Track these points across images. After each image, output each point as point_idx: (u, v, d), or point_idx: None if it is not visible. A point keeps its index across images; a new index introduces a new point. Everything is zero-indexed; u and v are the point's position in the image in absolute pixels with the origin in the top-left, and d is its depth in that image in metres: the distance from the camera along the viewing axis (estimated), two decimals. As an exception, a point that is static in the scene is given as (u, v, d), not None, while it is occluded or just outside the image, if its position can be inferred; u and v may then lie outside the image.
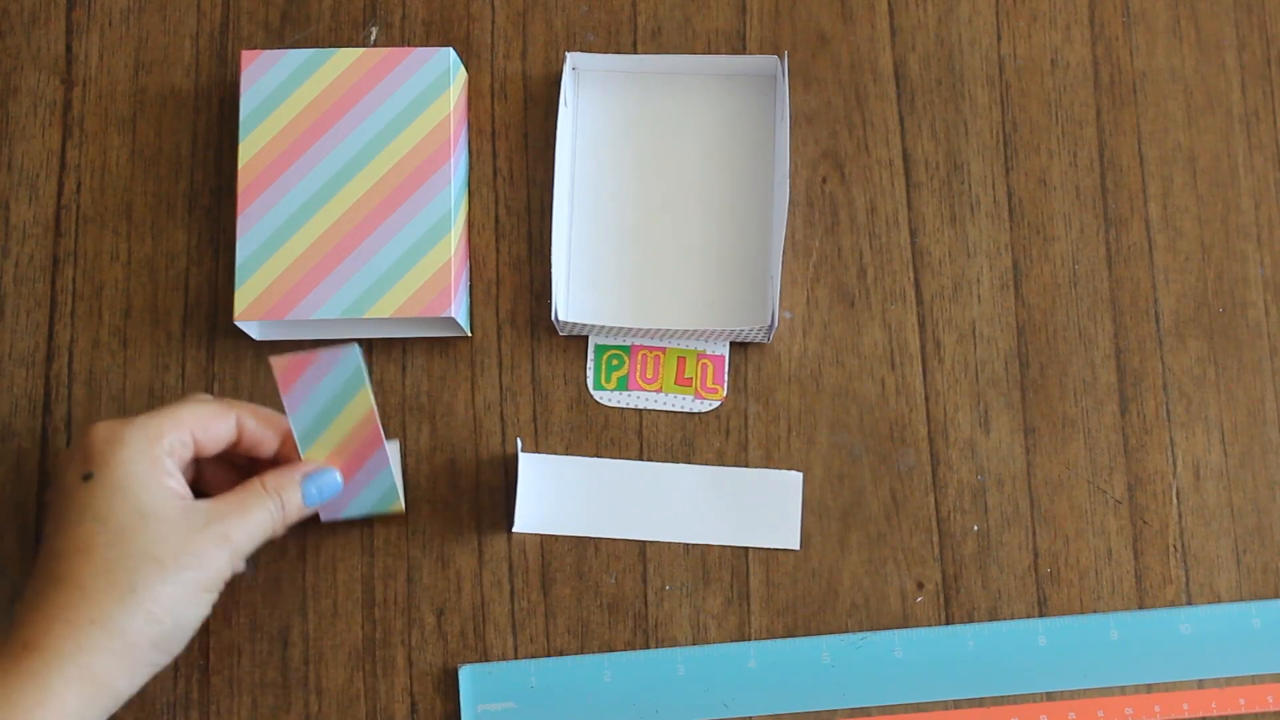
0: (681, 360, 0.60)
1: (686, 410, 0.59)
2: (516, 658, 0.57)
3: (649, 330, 0.58)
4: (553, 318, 0.58)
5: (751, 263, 0.61)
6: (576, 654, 0.57)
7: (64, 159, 0.61)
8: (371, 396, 0.53)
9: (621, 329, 0.58)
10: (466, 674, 0.57)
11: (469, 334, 0.60)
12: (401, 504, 0.57)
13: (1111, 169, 0.63)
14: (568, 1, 0.63)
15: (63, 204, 0.61)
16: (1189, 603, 0.59)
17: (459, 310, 0.57)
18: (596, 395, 0.59)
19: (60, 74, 0.62)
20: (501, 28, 0.63)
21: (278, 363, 0.51)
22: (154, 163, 0.62)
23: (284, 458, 0.54)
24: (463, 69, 0.61)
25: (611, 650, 0.58)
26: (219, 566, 0.50)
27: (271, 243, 0.57)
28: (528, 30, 0.63)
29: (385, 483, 0.55)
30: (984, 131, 0.63)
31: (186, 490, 0.51)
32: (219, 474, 0.55)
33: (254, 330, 0.59)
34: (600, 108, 0.62)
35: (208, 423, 0.51)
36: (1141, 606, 0.59)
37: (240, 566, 0.53)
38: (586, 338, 0.60)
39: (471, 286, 0.60)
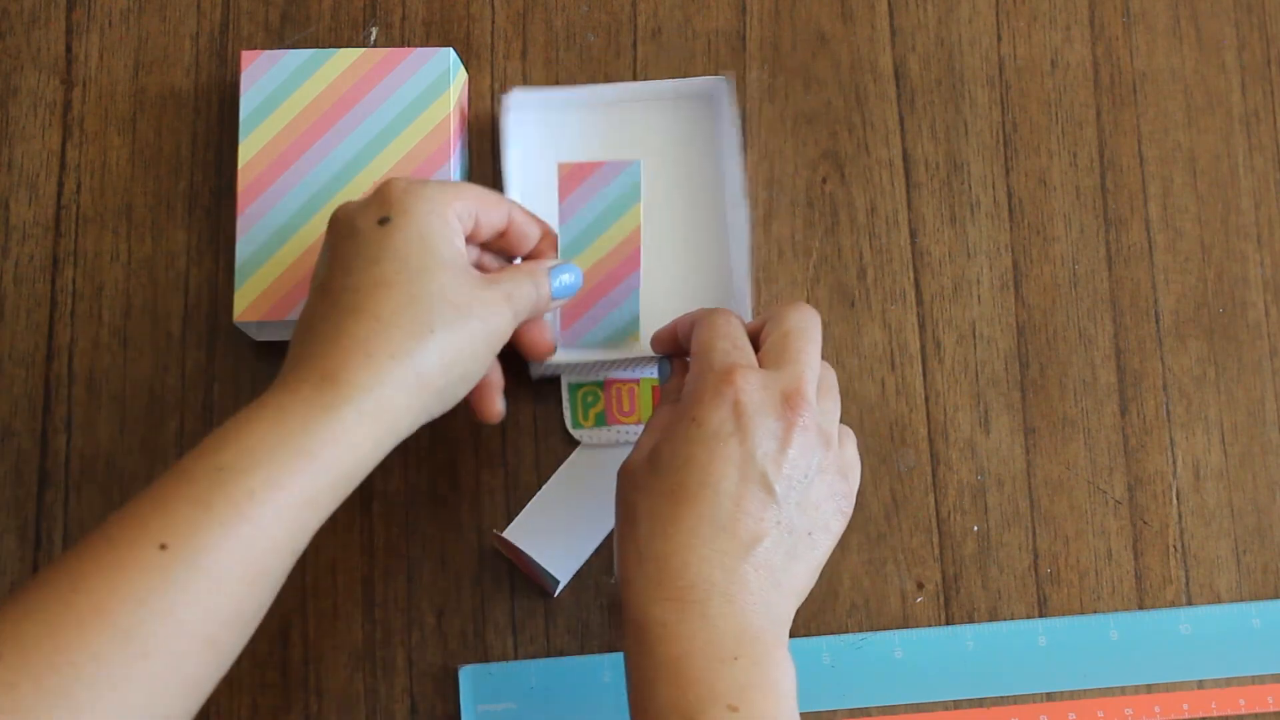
0: (656, 390, 0.59)
1: None
2: (516, 658, 0.57)
3: (619, 362, 0.57)
4: (526, 364, 0.57)
5: (719, 284, 0.60)
6: (576, 654, 0.57)
7: (64, 159, 0.61)
8: (641, 214, 0.54)
9: (593, 364, 0.57)
10: (466, 674, 0.57)
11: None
12: (640, 338, 0.57)
13: (1111, 169, 0.63)
14: (568, 1, 0.63)
15: (63, 204, 0.61)
16: (1189, 603, 0.59)
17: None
18: (575, 434, 0.59)
19: (60, 74, 0.62)
20: (501, 28, 0.63)
21: (563, 167, 0.53)
22: (154, 163, 0.62)
23: (537, 256, 0.54)
24: (463, 69, 0.61)
25: (611, 650, 0.58)
26: (504, 321, 0.49)
27: (271, 243, 0.57)
28: (528, 30, 0.63)
29: (631, 310, 0.56)
30: (984, 132, 0.63)
31: (467, 254, 0.50)
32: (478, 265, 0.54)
33: (254, 331, 0.59)
34: (545, 143, 0.61)
35: (489, 204, 0.51)
36: (1141, 607, 0.59)
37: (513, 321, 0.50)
38: (559, 378, 0.59)
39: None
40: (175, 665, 0.41)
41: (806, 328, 0.49)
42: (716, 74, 0.62)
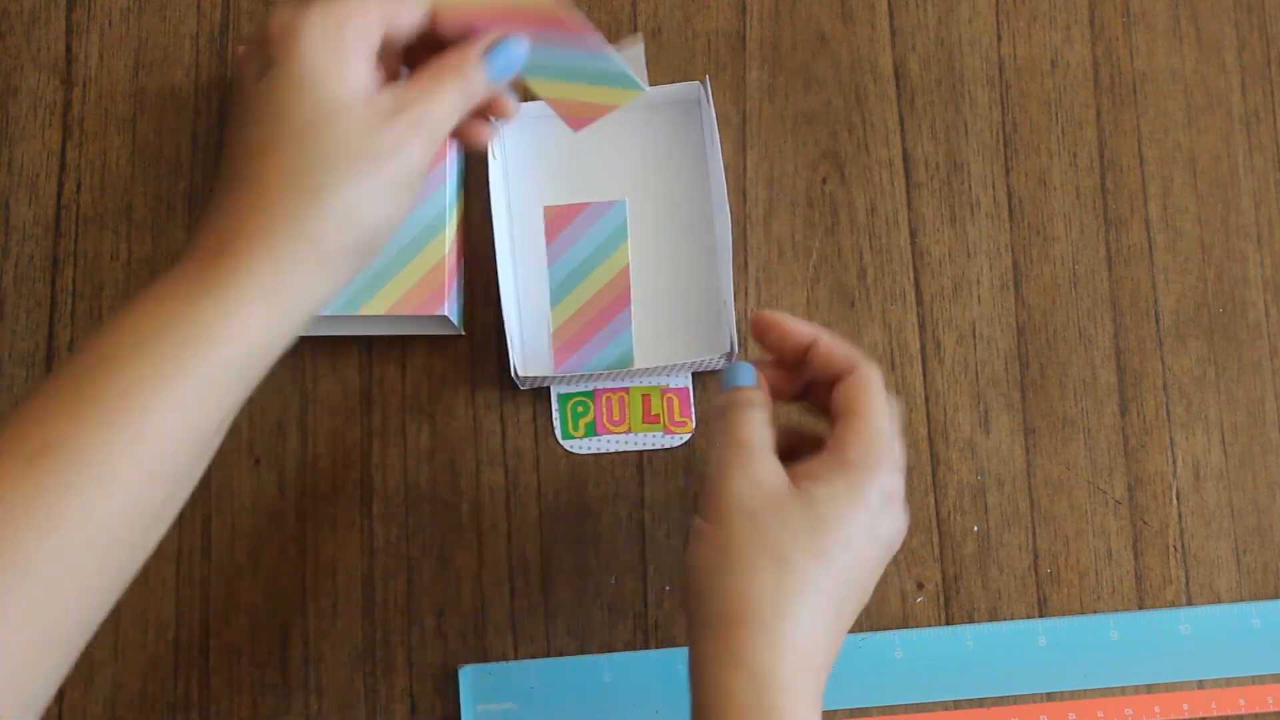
0: (646, 398, 0.59)
1: (658, 447, 0.59)
2: (516, 658, 0.57)
3: (608, 373, 0.58)
4: (511, 374, 0.57)
5: (705, 291, 0.60)
6: (576, 654, 0.57)
7: (64, 159, 0.61)
8: (629, 252, 0.54)
9: (581, 375, 0.57)
10: (466, 674, 0.57)
11: (462, 332, 0.60)
12: (633, 358, 0.57)
13: (1111, 169, 0.63)
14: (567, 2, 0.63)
15: (63, 204, 0.61)
16: (1189, 603, 0.59)
17: (452, 309, 0.57)
18: (566, 444, 0.59)
19: (60, 74, 0.62)
20: (501, 28, 0.63)
21: (549, 210, 0.52)
22: (154, 163, 0.62)
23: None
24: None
25: (611, 650, 0.58)
26: (412, 158, 0.44)
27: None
28: (528, 30, 0.63)
29: (624, 345, 0.56)
30: (984, 132, 0.63)
31: (373, 79, 0.44)
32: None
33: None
34: (530, 155, 0.61)
35: (395, 7, 0.45)
36: (1141, 607, 0.59)
37: (434, 149, 0.45)
38: (549, 388, 0.60)
39: (469, 285, 0.60)
40: (63, 575, 0.38)
41: (895, 428, 0.48)
42: (716, 75, 0.62)
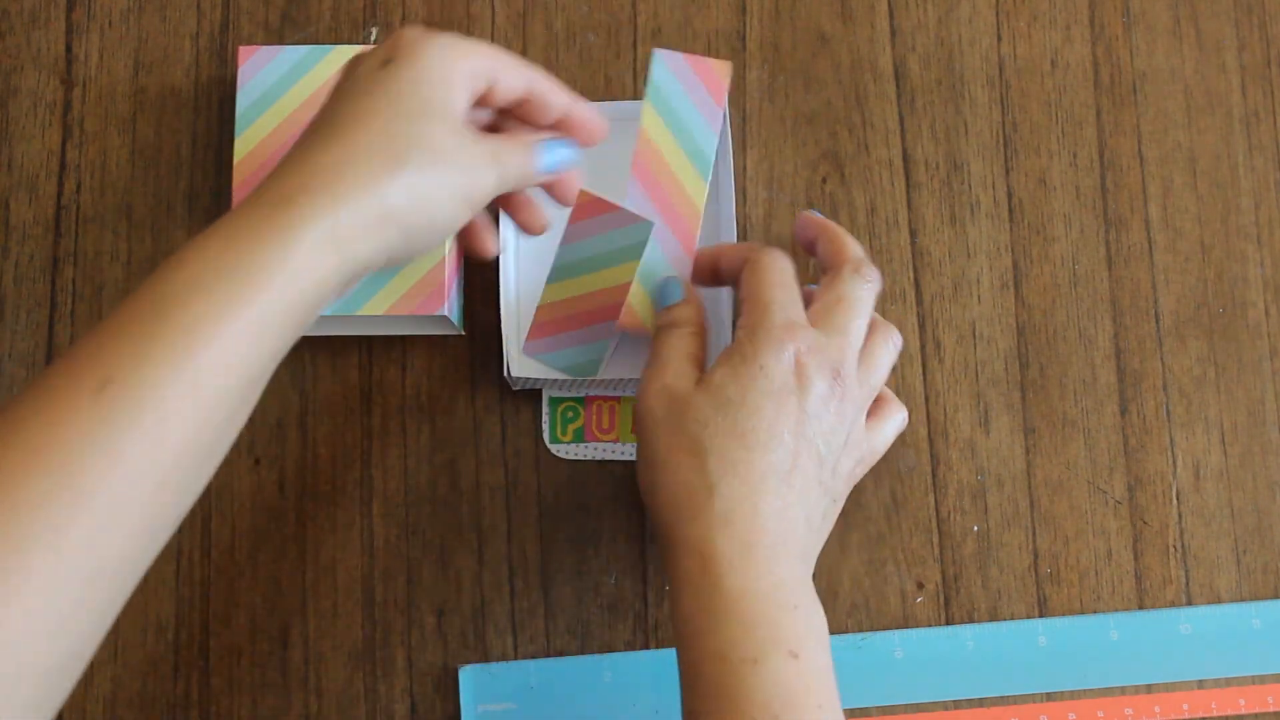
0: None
1: None
2: (516, 658, 0.57)
3: (602, 380, 0.57)
4: (505, 374, 0.57)
5: (707, 302, 0.57)
6: (576, 654, 0.57)
7: (64, 159, 0.61)
8: (637, 276, 0.53)
9: (575, 381, 0.57)
10: (466, 674, 0.57)
11: (462, 332, 0.60)
12: (599, 369, 0.57)
13: (1111, 169, 0.63)
14: (568, 1, 0.63)
15: (63, 204, 0.61)
16: (1189, 603, 0.59)
17: (452, 309, 0.57)
18: (554, 449, 0.59)
19: (60, 74, 0.62)
20: (501, 28, 0.63)
21: (582, 194, 0.53)
22: (154, 163, 0.62)
23: (561, 130, 0.52)
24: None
25: (611, 650, 0.58)
26: (486, 178, 0.47)
27: (271, 243, 0.57)
28: (528, 30, 0.63)
29: (596, 354, 0.56)
30: (984, 131, 0.63)
31: (468, 111, 0.48)
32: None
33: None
34: None
35: (508, 68, 0.49)
36: (1141, 607, 0.59)
37: (492, 185, 0.49)
38: (540, 391, 0.59)
39: (469, 285, 0.60)
40: (121, 507, 0.39)
41: (860, 298, 0.51)
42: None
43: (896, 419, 0.53)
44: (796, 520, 0.47)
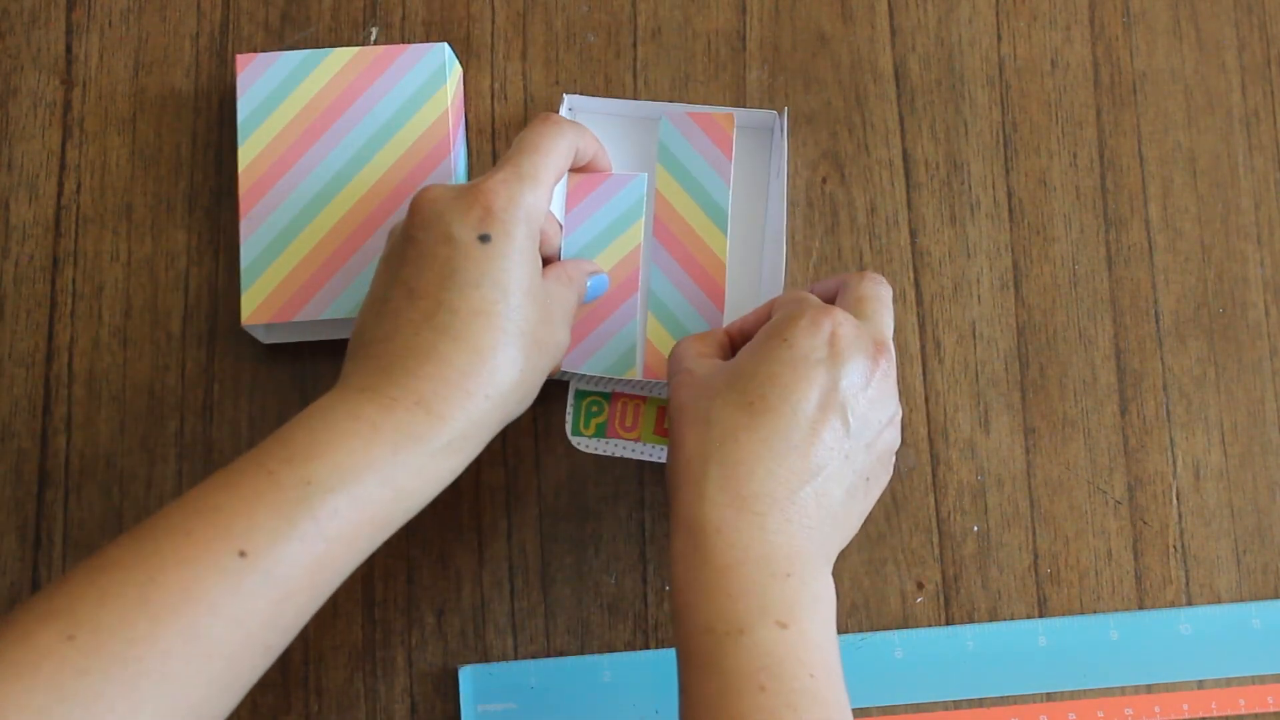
0: (662, 410, 0.59)
1: (664, 461, 0.58)
2: (516, 658, 0.57)
3: (630, 380, 0.57)
4: None
5: (739, 311, 0.58)
6: (576, 654, 0.57)
7: (64, 159, 0.61)
8: (643, 231, 0.54)
9: (602, 377, 0.57)
10: (466, 674, 0.57)
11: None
12: (639, 369, 0.57)
13: (1111, 169, 0.63)
14: (568, 1, 0.63)
15: (63, 204, 0.61)
16: (1189, 603, 0.59)
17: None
18: (575, 441, 0.59)
19: (60, 74, 0.62)
20: (501, 28, 0.63)
21: (571, 177, 0.53)
22: (154, 163, 0.62)
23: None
24: (457, 64, 0.61)
25: (611, 650, 0.58)
26: (566, 341, 0.52)
27: (276, 245, 0.57)
28: (528, 30, 0.63)
29: (628, 339, 0.56)
30: (984, 132, 0.63)
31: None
32: None
33: (261, 333, 0.58)
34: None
35: (561, 177, 0.51)
36: (1141, 607, 0.59)
37: None
38: (567, 382, 0.59)
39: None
40: (234, 669, 0.41)
41: (881, 295, 0.51)
42: (716, 75, 0.62)
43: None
44: (804, 493, 0.46)
